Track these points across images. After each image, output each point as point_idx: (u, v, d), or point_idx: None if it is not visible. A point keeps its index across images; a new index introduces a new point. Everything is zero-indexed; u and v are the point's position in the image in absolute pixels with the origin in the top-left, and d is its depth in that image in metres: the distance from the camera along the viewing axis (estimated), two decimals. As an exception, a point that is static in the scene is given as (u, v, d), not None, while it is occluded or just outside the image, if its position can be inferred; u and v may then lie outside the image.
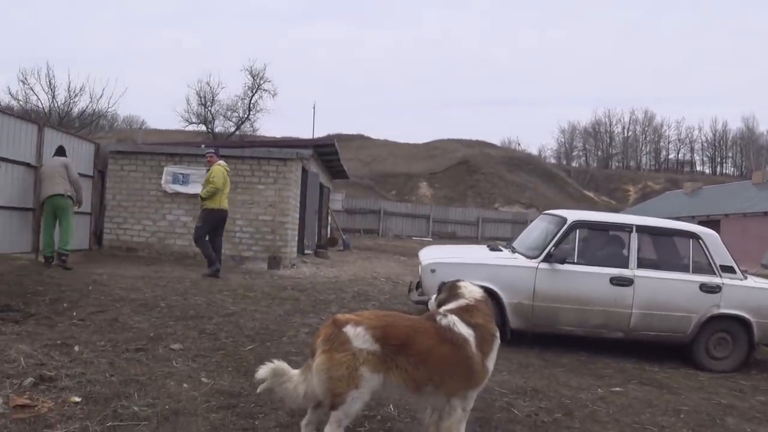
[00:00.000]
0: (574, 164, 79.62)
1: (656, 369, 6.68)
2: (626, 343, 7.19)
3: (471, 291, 3.59)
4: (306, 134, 56.31)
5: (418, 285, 7.44)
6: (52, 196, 9.46)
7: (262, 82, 40.54)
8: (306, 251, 14.94)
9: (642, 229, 7.06)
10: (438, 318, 3.37)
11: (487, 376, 3.42)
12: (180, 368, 4.77)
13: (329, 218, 21.67)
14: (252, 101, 40.95)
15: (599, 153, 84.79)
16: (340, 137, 68.23)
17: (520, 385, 5.33)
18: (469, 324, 3.35)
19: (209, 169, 10.24)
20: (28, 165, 10.11)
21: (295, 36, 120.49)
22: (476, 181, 50.48)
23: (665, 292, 6.81)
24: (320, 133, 66.14)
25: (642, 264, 6.94)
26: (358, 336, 3.08)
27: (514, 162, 57.37)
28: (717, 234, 7.24)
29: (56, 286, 7.56)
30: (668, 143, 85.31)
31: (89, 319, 6.10)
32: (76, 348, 5.00)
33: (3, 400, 3.64)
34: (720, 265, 6.92)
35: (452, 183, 50.82)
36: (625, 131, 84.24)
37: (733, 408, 5.38)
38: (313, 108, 67.00)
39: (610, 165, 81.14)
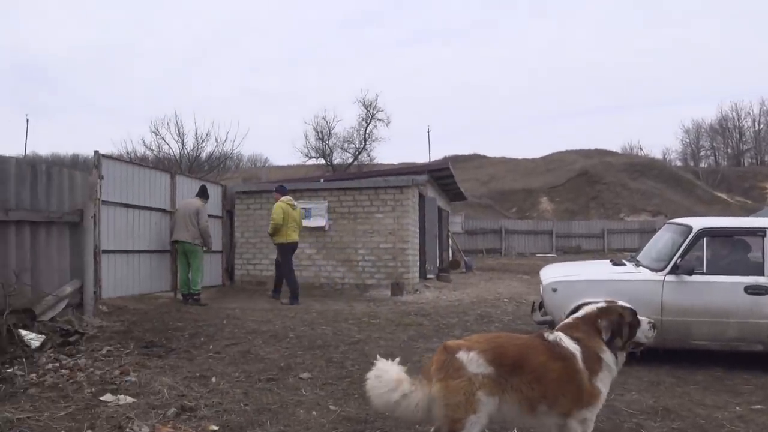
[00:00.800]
0: (702, 165, 74.93)
1: None
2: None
3: (582, 311, 3.60)
4: (422, 159, 56.96)
5: (541, 305, 7.30)
6: (181, 242, 10.23)
7: (375, 111, 41.47)
8: (428, 275, 15.03)
9: None
10: (546, 335, 3.37)
11: (599, 396, 3.34)
12: (309, 396, 4.96)
13: (450, 241, 21.68)
14: (367, 131, 41.91)
15: (729, 150, 79.26)
16: (456, 158, 68.39)
17: (650, 404, 5.10)
18: (573, 338, 3.32)
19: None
20: (163, 210, 10.82)
21: (404, 62, 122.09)
22: (598, 192, 48.71)
23: None
24: (436, 156, 66.72)
25: None
26: (472, 361, 3.09)
27: (637, 168, 54.89)
28: None
29: (194, 322, 8.08)
30: (806, 132, 78.01)
31: (224, 352, 6.48)
32: (213, 379, 5.33)
33: (150, 430, 3.94)
34: None
35: (573, 195, 49.34)
36: (756, 124, 78.14)
37: None
38: (428, 132, 67.94)
39: (742, 162, 75.58)
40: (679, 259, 6.49)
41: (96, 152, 8.41)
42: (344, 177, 17.67)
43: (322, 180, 13.67)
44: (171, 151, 33.53)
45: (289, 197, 11.22)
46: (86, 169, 9.26)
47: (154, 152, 33.15)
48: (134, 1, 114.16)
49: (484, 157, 69.95)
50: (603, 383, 3.37)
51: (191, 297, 10.06)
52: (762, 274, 6.37)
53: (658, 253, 7.01)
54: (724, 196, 55.31)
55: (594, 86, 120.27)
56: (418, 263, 13.85)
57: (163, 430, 3.98)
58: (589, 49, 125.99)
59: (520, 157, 66.71)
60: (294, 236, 11.06)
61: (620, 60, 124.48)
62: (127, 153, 32.56)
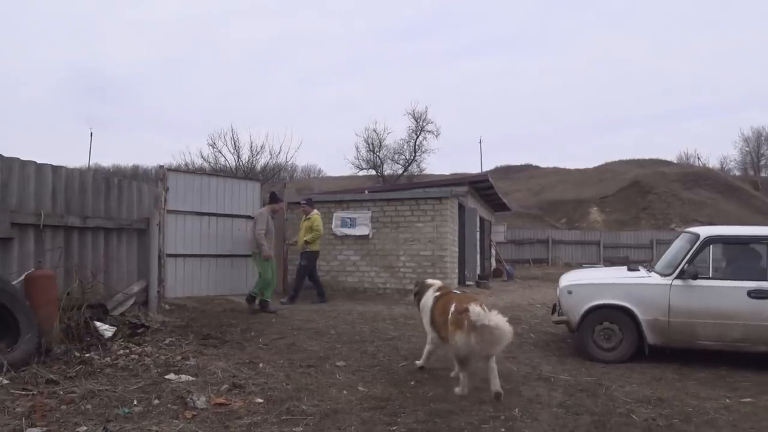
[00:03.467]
0: (762, 174, 72.78)
1: None
2: None
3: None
4: (474, 169, 57.36)
5: (557, 307, 7.88)
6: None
7: (425, 123, 42.18)
8: (467, 282, 15.63)
9: None
10: None
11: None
12: (342, 380, 5.72)
13: (492, 250, 22.20)
14: (417, 143, 42.64)
15: (790, 159, 76.70)
16: (508, 169, 68.58)
17: (646, 395, 5.58)
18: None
19: (308, 218, 12.17)
20: (231, 216, 11.48)
21: (456, 73, 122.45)
22: (649, 202, 48.16)
23: None
24: (488, 166, 66.90)
25: None
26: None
27: (691, 178, 53.96)
28: None
29: (246, 320, 8.97)
30: None
31: (272, 344, 7.31)
32: (261, 365, 6.14)
33: (207, 399, 4.77)
34: None
35: (624, 206, 48.90)
36: (819, 129, 75.43)
37: None
38: (480, 142, 67.90)
39: (803, 171, 73.02)
40: (686, 265, 6.97)
41: (161, 167, 9.39)
42: (387, 188, 18.48)
43: (366, 192, 14.53)
44: (227, 163, 34.95)
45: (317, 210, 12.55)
46: (155, 180, 10.19)
47: (211, 164, 34.56)
48: (192, 18, 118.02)
49: (537, 167, 69.77)
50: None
51: (261, 304, 10.10)
52: (765, 279, 6.77)
53: (669, 260, 7.51)
54: (782, 205, 53.85)
55: (651, 94, 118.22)
56: (457, 270, 14.49)
57: (217, 400, 4.79)
58: (648, 56, 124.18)
59: (572, 168, 66.37)
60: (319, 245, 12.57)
61: (679, 66, 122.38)
62: (185, 165, 34.08)
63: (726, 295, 6.83)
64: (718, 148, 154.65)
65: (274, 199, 10.58)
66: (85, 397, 4.78)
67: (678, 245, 7.70)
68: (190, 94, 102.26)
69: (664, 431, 4.60)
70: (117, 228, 8.24)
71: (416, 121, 42.15)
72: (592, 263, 31.78)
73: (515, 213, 40.27)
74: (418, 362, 6.33)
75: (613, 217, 47.62)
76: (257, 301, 10.09)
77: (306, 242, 12.05)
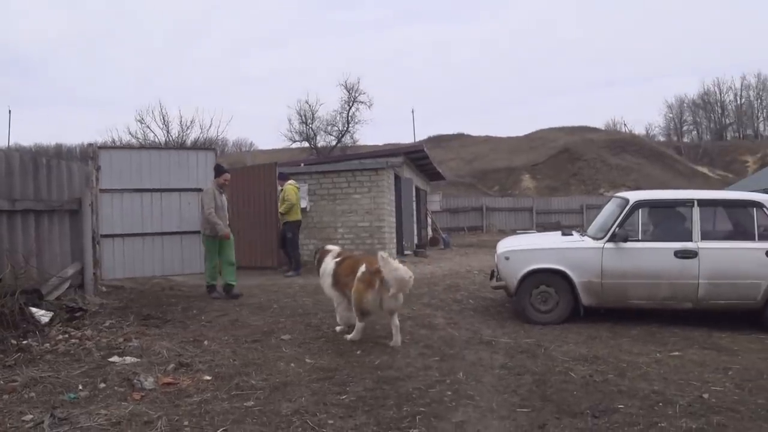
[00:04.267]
0: (685, 140, 75.77)
1: (724, 335, 6.82)
2: (706, 316, 7.42)
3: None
4: (407, 139, 57.58)
5: (495, 273, 8.13)
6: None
7: (357, 94, 42.05)
8: (405, 252, 15.86)
9: (703, 203, 7.35)
10: None
11: None
12: (288, 353, 5.79)
13: (429, 219, 22.50)
14: (349, 114, 42.52)
15: (712, 125, 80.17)
16: (441, 138, 69.11)
17: (583, 353, 5.89)
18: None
19: (281, 190, 12.48)
20: (170, 191, 10.00)
21: (387, 43, 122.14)
22: (579, 169, 49.60)
23: (730, 261, 7.09)
24: (421, 136, 67.31)
25: (706, 236, 7.22)
26: None
27: (618, 144, 55.75)
28: None
29: (186, 298, 8.89)
30: (789, 105, 78.43)
31: (215, 321, 7.29)
32: (206, 342, 6.13)
33: (154, 379, 4.76)
34: None
35: (554, 172, 50.18)
36: (738, 98, 79.07)
37: (791, 365, 5.56)
38: (412, 113, 68.37)
39: (724, 136, 76.40)
40: (617, 228, 7.32)
41: (90, 145, 9.10)
42: (323, 161, 18.42)
43: (302, 164, 14.49)
44: (156, 139, 34.08)
45: (293, 180, 12.74)
46: (84, 159, 9.66)
47: (140, 140, 33.65)
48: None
49: (468, 136, 70.55)
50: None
51: (224, 290, 9.30)
52: (690, 239, 7.20)
53: (601, 224, 7.86)
54: (705, 170, 56.26)
55: (579, 63, 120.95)
56: (395, 240, 14.69)
57: (165, 380, 4.79)
58: (574, 26, 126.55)
59: (503, 136, 67.48)
60: (300, 215, 12.71)
61: (604, 36, 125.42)
62: (113, 141, 33.07)
63: (654, 256, 7.22)
64: (643, 116, 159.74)
65: (219, 171, 9.80)
66: (27, 385, 4.69)
67: (609, 210, 8.04)
68: (111, 69, 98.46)
69: (600, 386, 4.84)
70: (48, 210, 7.98)
71: (348, 92, 42.02)
72: (526, 229, 32.62)
73: (449, 182, 40.72)
74: (338, 327, 6.69)
75: (544, 184, 48.82)
76: (220, 289, 9.36)
77: (281, 214, 12.49)
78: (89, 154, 8.98)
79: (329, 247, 7.30)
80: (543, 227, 32.93)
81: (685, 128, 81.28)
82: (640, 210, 7.48)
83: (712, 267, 7.09)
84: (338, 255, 6.86)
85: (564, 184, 48.10)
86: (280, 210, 12.49)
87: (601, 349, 6.07)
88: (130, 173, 9.47)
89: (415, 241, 17.76)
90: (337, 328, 6.71)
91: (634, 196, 7.66)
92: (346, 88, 42.04)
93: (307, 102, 42.41)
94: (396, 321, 6.17)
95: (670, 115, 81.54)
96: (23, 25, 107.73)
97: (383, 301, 5.96)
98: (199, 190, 9.83)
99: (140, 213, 9.65)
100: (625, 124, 76.65)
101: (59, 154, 47.56)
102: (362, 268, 6.15)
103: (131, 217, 9.51)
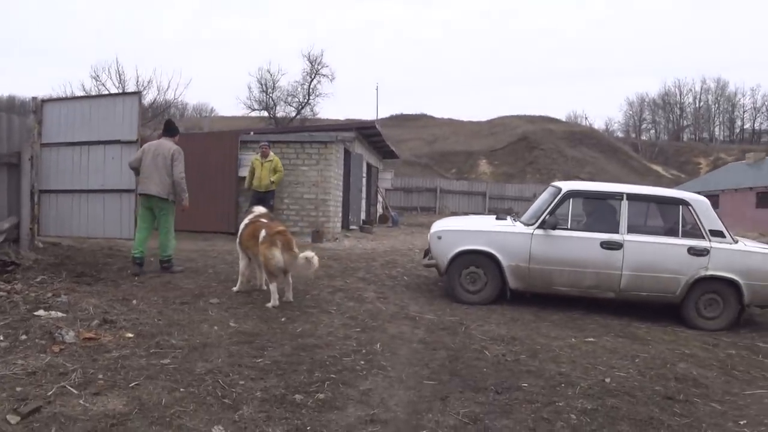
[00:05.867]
0: (643, 138, 77.35)
1: (642, 326, 7.09)
2: (631, 307, 7.74)
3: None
4: (370, 115, 57.57)
5: (428, 252, 8.36)
6: (150, 196, 8.10)
7: (320, 67, 41.92)
8: (351, 227, 16.07)
9: (632, 197, 7.63)
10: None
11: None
12: (214, 316, 5.94)
13: (379, 196, 22.70)
14: (311, 86, 42.29)
15: (670, 125, 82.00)
16: (404, 117, 69.24)
17: (501, 334, 6.12)
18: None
19: (269, 159, 12.66)
20: (123, 142, 8.84)
21: (356, 17, 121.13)
22: (536, 157, 50.42)
23: (653, 254, 7.39)
24: (384, 114, 67.30)
25: (632, 229, 7.50)
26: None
27: (576, 137, 56.83)
28: (707, 200, 7.73)
29: (123, 258, 8.91)
30: (743, 112, 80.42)
31: (147, 282, 7.38)
32: (134, 302, 6.24)
33: (75, 333, 4.87)
34: (709, 230, 7.39)
35: (512, 160, 50.93)
36: (697, 101, 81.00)
37: (692, 357, 5.85)
38: (376, 89, 68.63)
39: (681, 137, 78.24)
40: (547, 216, 7.57)
41: (34, 98, 8.97)
42: (274, 131, 18.44)
43: (252, 133, 14.49)
44: (111, 97, 33.30)
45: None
46: (29, 112, 9.36)
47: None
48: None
49: (431, 117, 70.89)
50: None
51: (161, 264, 8.31)
52: (617, 232, 7.48)
53: (534, 211, 8.07)
54: (659, 168, 57.67)
55: (547, 54, 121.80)
56: (340, 214, 14.86)
57: (86, 334, 4.90)
58: (546, 15, 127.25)
59: (466, 120, 67.92)
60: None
61: (573, 28, 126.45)
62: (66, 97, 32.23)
63: (581, 245, 7.49)
64: (604, 110, 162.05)
65: (175, 130, 8.62)
66: (-54, 333, 4.77)
67: (543, 197, 8.28)
68: (73, 22, 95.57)
69: (510, 366, 5.08)
70: (-16, 162, 7.93)
71: (311, 63, 41.84)
72: (478, 213, 33.12)
73: (406, 161, 40.96)
74: (234, 288, 7.29)
75: (501, 170, 49.47)
76: (164, 263, 8.34)
77: (272, 182, 12.62)
78: (32, 108, 8.87)
79: (254, 208, 7.80)
80: (495, 212, 33.48)
81: (643, 126, 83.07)
82: (571, 199, 7.72)
83: (636, 259, 7.36)
84: (251, 220, 7.35)
85: (520, 171, 48.80)
86: (272, 179, 12.59)
87: (520, 331, 6.30)
88: (66, 126, 9.01)
89: (363, 216, 17.97)
90: (233, 288, 7.26)
91: (566, 185, 7.90)
92: (309, 59, 41.93)
93: (268, 71, 42.10)
94: (290, 279, 6.87)
95: (630, 113, 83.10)
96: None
97: (287, 262, 6.55)
98: (123, 142, 8.69)
99: (71, 168, 9.02)
100: (586, 118, 78.03)
101: (12, 107, 46.20)
102: (263, 232, 6.73)
103: (66, 173, 9.04)
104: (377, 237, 15.75)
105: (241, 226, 7.40)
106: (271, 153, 12.87)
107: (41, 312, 5.54)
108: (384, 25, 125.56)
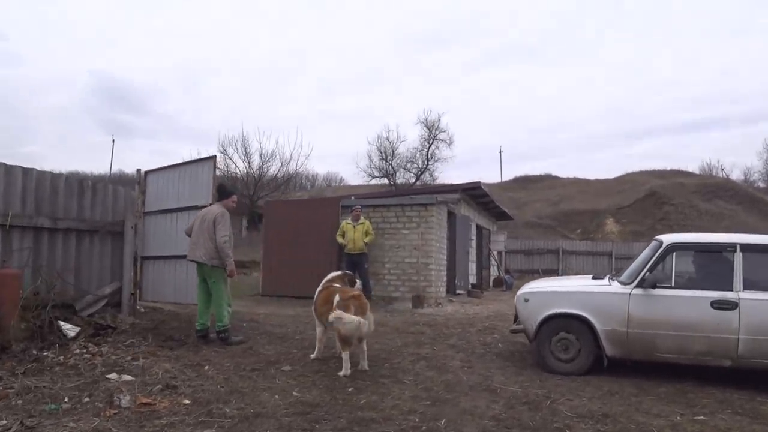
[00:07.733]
0: (787, 186, 71.28)
1: None
2: (758, 376, 6.63)
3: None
4: (495, 179, 57.19)
5: (517, 316, 7.83)
6: (198, 263, 7.90)
7: (437, 132, 42.27)
8: (458, 291, 15.63)
9: (748, 248, 6.69)
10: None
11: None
12: (280, 384, 5.78)
13: (491, 259, 22.13)
14: (429, 152, 42.70)
15: (817, 171, 75.07)
16: (528, 179, 68.29)
17: (592, 410, 5.35)
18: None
19: (361, 222, 12.96)
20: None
21: (475, 83, 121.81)
22: (666, 213, 47.57)
23: None
24: (508, 176, 66.69)
25: (749, 286, 6.53)
26: None
27: (710, 189, 53.25)
28: None
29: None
30: None
31: (229, 349, 7.38)
32: (206, 368, 6.23)
33: (131, 398, 4.87)
34: None
35: (640, 217, 48.37)
36: None
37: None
38: (500, 153, 67.64)
39: (830, 183, 71.33)
40: (647, 273, 6.77)
41: (138, 170, 9.53)
42: (374, 195, 18.57)
43: (352, 197, 14.64)
44: (237, 170, 35.23)
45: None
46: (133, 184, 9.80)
47: (222, 170, 34.91)
48: (213, 24, 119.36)
49: (556, 177, 69.34)
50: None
51: (218, 335, 7.86)
52: (730, 288, 6.50)
53: (633, 269, 7.22)
54: (806, 219, 52.86)
55: (676, 105, 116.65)
56: (444, 278, 14.50)
57: (143, 399, 4.89)
58: (670, 66, 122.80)
59: (592, 178, 65.90)
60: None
61: (703, 76, 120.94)
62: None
63: (688, 305, 6.59)
64: (742, 159, 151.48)
65: (228, 192, 8.34)
66: (20, 393, 4.92)
67: (644, 253, 7.46)
68: (209, 103, 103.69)
69: (590, 448, 4.45)
70: (90, 230, 8.41)
71: (428, 129, 42.27)
72: (604, 275, 31.52)
73: (528, 223, 40.00)
74: (312, 355, 7.19)
75: (629, 228, 47.11)
76: (220, 333, 7.88)
77: (365, 244, 12.90)
78: (137, 179, 9.40)
79: (331, 275, 7.69)
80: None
81: (787, 174, 76.43)
82: (674, 253, 6.89)
83: (756, 321, 6.40)
84: (325, 285, 7.32)
85: (649, 229, 46.13)
86: (365, 240, 12.84)
87: (616, 407, 5.54)
88: (166, 194, 9.43)
89: (473, 280, 17.49)
90: (311, 355, 7.13)
91: (668, 238, 7.11)
92: (426, 125, 42.38)
93: (387, 138, 42.97)
94: (364, 346, 6.65)
95: (771, 160, 76.88)
96: (127, 57, 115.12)
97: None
98: (198, 207, 8.50)
99: (165, 236, 9.35)
100: (722, 169, 73.00)
101: (118, 179, 49.97)
102: (337, 297, 6.61)
103: (161, 240, 9.44)
104: (484, 301, 15.22)
105: (317, 291, 7.30)
106: (362, 216, 13.12)
107: (113, 375, 5.65)
108: (504, 88, 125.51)
